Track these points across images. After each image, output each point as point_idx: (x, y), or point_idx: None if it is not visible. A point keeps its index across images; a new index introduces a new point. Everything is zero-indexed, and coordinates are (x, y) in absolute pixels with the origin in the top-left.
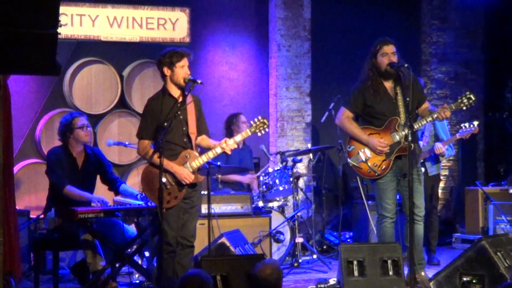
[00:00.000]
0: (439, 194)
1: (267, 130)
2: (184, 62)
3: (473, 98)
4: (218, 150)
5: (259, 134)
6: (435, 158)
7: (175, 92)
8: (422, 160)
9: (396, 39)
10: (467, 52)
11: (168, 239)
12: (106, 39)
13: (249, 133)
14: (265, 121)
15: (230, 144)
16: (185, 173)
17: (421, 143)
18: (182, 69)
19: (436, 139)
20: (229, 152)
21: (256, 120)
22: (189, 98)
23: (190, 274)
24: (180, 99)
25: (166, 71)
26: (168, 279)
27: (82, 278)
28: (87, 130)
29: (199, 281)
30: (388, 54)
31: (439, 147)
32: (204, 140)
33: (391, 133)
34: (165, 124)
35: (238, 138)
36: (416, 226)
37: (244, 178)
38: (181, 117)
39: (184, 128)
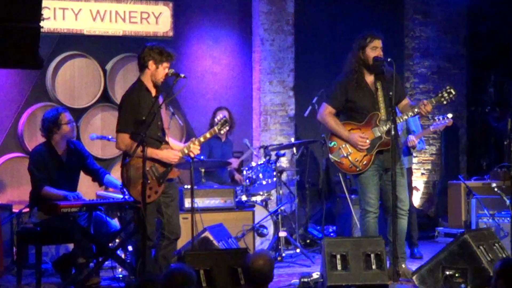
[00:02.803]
0: (422, 188)
1: (227, 128)
2: (169, 63)
3: (454, 92)
4: (185, 151)
5: (222, 131)
6: (407, 151)
7: (151, 86)
8: None
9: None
10: (450, 46)
11: (148, 234)
12: (89, 33)
13: (217, 130)
14: (226, 119)
15: (195, 148)
16: (171, 154)
17: None
18: (164, 70)
19: (408, 133)
20: (192, 155)
21: (218, 117)
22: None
23: (173, 268)
24: (154, 93)
25: (151, 65)
26: (150, 272)
27: (64, 273)
28: (73, 125)
29: (182, 276)
30: (377, 48)
31: (412, 140)
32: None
33: (372, 128)
34: (144, 118)
35: (202, 139)
36: (400, 220)
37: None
38: (155, 111)
39: (159, 123)
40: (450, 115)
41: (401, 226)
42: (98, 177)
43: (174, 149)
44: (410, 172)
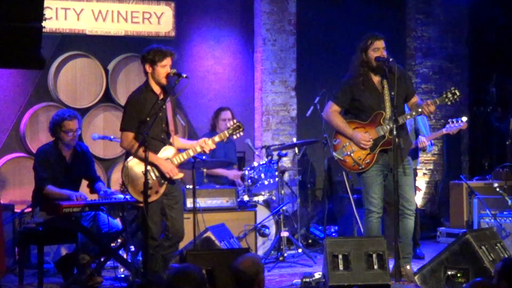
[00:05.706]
0: (424, 188)
1: (242, 134)
2: (167, 61)
3: (458, 94)
4: (198, 149)
5: (234, 137)
6: (414, 153)
7: (157, 88)
8: None
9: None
10: (451, 46)
11: (152, 234)
12: (91, 33)
13: (227, 135)
14: (240, 124)
15: (208, 144)
16: (170, 167)
17: None
18: (163, 69)
19: (416, 134)
20: (207, 152)
21: (232, 123)
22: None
23: (180, 267)
24: (161, 96)
25: (148, 68)
26: (155, 273)
27: (66, 273)
28: (74, 134)
29: (190, 274)
30: (379, 49)
31: (423, 141)
32: (176, 141)
33: (376, 127)
34: (148, 119)
35: (217, 139)
36: (407, 220)
37: (230, 174)
38: (160, 114)
39: (163, 125)
40: (464, 119)
41: (408, 226)
42: (93, 184)
43: (184, 147)
44: (414, 173)
